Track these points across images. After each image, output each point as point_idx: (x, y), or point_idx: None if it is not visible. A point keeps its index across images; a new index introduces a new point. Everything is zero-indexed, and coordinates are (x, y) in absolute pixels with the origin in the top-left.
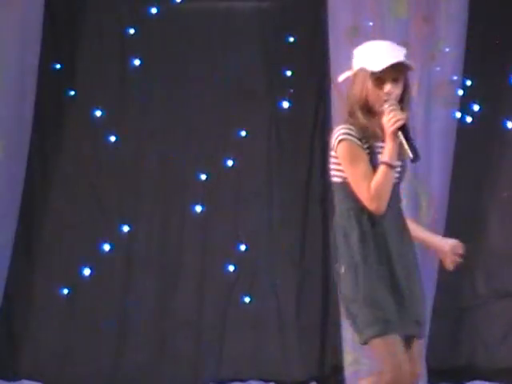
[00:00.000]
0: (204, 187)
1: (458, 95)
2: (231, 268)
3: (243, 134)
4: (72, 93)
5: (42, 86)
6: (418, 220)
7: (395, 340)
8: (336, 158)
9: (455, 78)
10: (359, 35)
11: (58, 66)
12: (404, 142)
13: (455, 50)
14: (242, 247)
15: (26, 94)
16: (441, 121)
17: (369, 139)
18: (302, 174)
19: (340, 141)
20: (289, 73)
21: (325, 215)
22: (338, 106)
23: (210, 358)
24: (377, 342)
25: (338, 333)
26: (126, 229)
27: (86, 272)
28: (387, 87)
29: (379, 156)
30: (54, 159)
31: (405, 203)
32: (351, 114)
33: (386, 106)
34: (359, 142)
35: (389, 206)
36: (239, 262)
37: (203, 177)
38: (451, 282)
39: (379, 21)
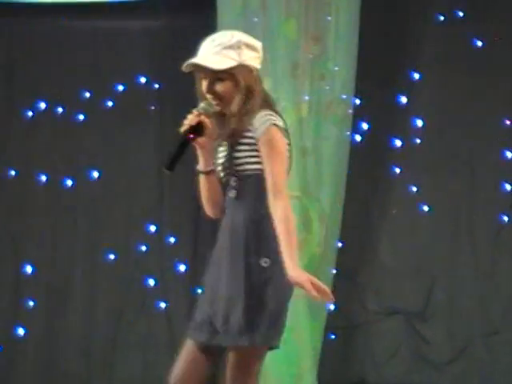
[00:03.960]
0: None
1: (348, 114)
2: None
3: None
4: None
5: None
6: (310, 237)
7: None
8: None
9: (345, 96)
10: None
11: None
12: (175, 147)
13: (344, 70)
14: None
15: None
16: (332, 139)
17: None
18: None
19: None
20: None
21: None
22: None
23: (99, 380)
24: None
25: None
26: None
27: None
28: (203, 85)
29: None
30: None
31: (296, 220)
32: None
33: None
34: None
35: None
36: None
37: None
38: (342, 299)
39: (269, 41)
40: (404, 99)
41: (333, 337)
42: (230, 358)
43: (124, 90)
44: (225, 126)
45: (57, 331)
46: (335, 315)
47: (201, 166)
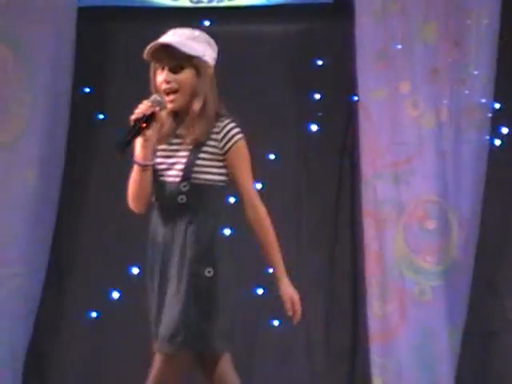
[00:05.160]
0: (232, 210)
1: (487, 118)
2: (260, 291)
3: (272, 157)
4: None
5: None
6: (449, 242)
7: None
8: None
9: (484, 100)
10: (387, 58)
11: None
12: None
13: (484, 73)
14: (271, 270)
15: (59, 117)
16: (471, 144)
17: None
18: (330, 197)
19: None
20: (317, 96)
21: (353, 239)
22: (366, 129)
23: None
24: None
25: (368, 357)
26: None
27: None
28: (159, 77)
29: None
30: (85, 184)
31: (435, 225)
32: None
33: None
34: None
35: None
36: (268, 285)
37: (232, 200)
38: (481, 306)
39: (408, 44)
40: None
41: (471, 343)
42: None
43: None
44: (178, 126)
45: None
46: (473, 321)
47: (140, 158)
